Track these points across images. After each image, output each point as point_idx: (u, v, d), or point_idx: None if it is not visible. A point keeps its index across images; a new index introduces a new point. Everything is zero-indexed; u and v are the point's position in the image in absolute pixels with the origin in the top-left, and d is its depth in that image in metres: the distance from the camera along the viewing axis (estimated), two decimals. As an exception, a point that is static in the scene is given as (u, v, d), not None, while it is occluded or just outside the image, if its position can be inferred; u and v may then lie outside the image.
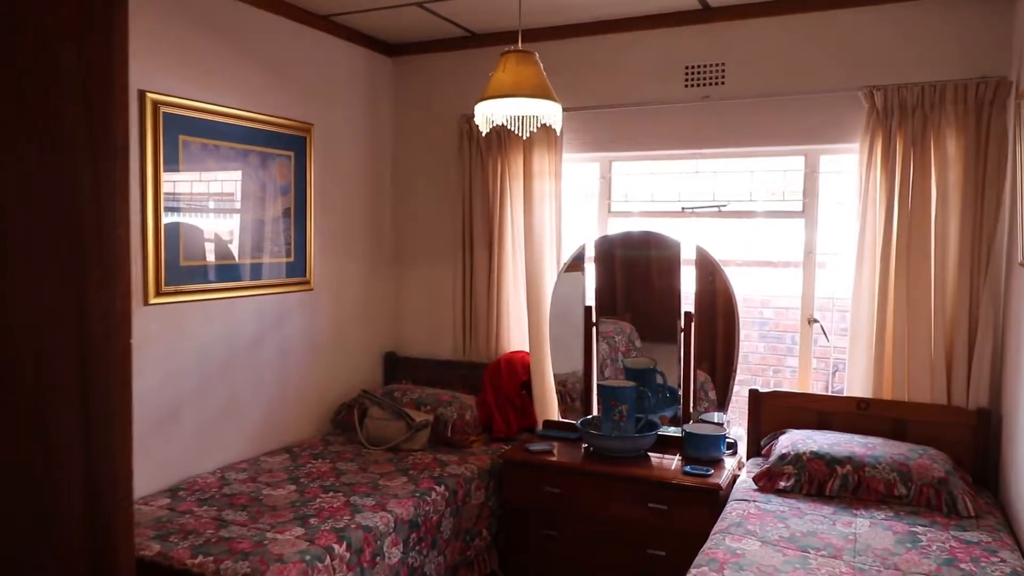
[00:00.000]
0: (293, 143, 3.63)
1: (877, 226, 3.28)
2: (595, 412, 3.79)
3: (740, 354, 3.65)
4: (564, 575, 3.37)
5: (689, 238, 3.68)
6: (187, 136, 3.06)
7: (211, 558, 2.35)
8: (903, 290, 3.23)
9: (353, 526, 2.66)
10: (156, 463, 2.97)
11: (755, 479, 3.07)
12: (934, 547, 2.49)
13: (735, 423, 3.78)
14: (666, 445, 3.51)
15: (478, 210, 4.04)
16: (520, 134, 2.39)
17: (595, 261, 3.83)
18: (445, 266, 4.23)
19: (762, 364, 5.23)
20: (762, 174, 3.90)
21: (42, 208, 0.76)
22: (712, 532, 2.67)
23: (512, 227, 3.99)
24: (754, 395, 3.51)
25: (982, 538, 2.56)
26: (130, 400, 0.87)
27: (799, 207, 3.66)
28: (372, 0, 3.48)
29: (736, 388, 3.67)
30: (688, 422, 3.57)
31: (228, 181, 3.37)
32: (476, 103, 2.46)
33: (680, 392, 3.63)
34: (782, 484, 2.99)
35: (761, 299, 5.19)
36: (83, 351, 0.81)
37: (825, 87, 3.40)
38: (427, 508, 3.01)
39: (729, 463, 3.37)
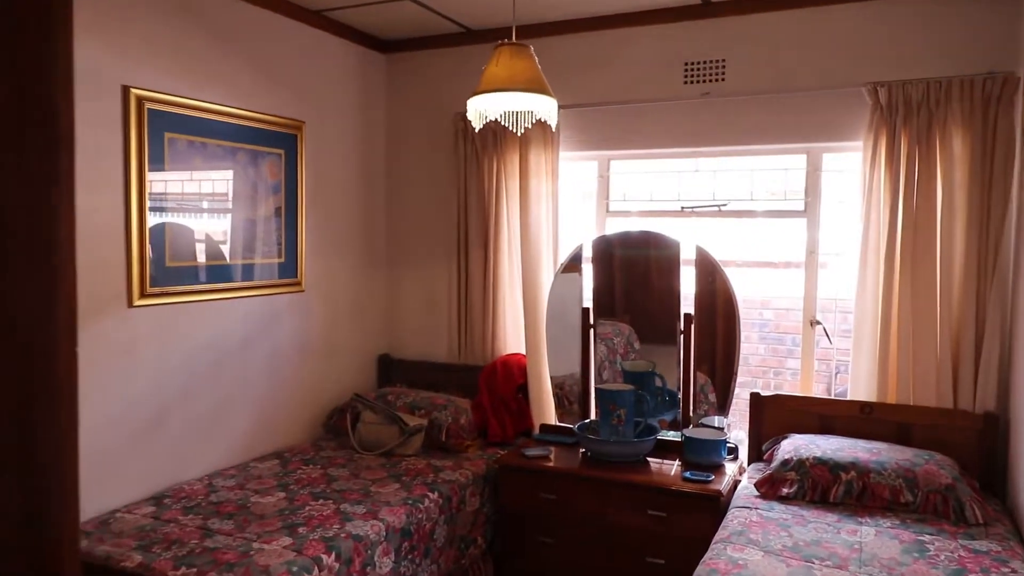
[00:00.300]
0: (283, 141, 3.55)
1: (881, 226, 3.21)
2: (593, 416, 3.71)
3: (742, 355, 3.57)
4: (561, 583, 3.30)
5: (689, 238, 3.61)
6: (173, 133, 2.98)
7: (194, 569, 2.26)
8: (908, 291, 3.16)
9: (343, 535, 2.58)
10: (141, 470, 2.89)
11: (757, 485, 2.99)
12: (942, 557, 2.41)
13: (736, 426, 3.70)
14: (666, 450, 3.43)
15: (474, 209, 3.96)
16: (515, 130, 2.31)
17: (593, 261, 3.74)
18: (440, 267, 4.15)
19: (763, 366, 5.15)
20: (763, 173, 3.82)
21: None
22: (713, 541, 2.59)
23: (508, 227, 3.91)
24: (755, 399, 3.43)
25: (992, 547, 2.48)
26: (75, 419, 0.79)
27: (801, 207, 3.58)
28: (364, -5, 3.40)
29: (736, 391, 3.60)
30: (688, 426, 3.50)
31: (216, 180, 3.28)
32: (468, 101, 2.38)
33: (680, 395, 3.55)
34: (785, 491, 2.91)
35: (761, 300, 5.11)
36: (19, 365, 0.73)
37: (828, 84, 3.32)
38: (420, 516, 2.93)
39: (730, 468, 3.30)
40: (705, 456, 3.29)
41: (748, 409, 3.46)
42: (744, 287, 4.78)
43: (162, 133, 2.93)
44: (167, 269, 3.00)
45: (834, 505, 2.83)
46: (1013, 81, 2.95)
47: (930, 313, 3.13)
